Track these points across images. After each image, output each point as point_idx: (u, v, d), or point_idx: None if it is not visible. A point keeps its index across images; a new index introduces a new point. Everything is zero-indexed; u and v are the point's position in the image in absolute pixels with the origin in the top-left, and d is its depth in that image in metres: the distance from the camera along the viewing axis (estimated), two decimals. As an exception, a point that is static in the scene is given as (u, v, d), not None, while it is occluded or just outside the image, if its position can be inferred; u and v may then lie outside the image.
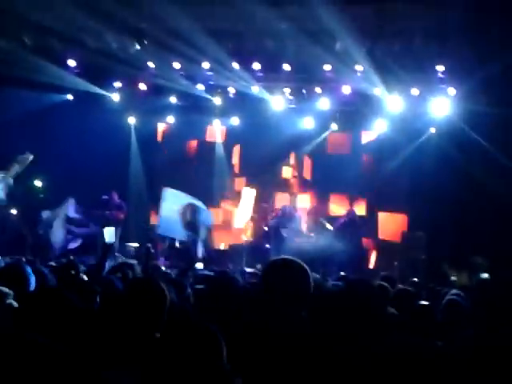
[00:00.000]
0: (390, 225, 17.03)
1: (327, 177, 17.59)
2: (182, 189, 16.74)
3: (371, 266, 16.34)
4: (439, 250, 15.02)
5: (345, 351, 2.82)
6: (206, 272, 8.96)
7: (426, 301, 5.75)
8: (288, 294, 3.01)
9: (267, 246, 16.37)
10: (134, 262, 10.12)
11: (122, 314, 3.14)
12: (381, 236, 16.98)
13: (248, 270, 13.41)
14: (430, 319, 5.00)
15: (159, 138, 18.95)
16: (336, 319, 2.97)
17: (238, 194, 18.27)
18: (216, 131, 18.89)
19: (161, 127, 18.88)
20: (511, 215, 14.10)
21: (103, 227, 16.06)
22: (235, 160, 18.85)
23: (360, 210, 17.25)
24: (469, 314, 5.14)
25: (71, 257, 10.34)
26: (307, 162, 18.41)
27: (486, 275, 12.41)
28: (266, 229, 17.14)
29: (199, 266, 11.76)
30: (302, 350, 2.83)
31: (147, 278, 4.51)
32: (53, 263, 9.37)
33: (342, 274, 11.72)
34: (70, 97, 17.94)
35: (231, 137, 18.68)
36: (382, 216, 17.13)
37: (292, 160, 18.49)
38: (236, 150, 18.79)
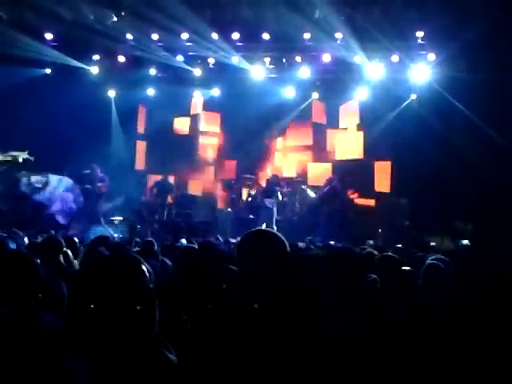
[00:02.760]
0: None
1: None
2: (165, 160, 16.96)
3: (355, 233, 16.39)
4: (422, 216, 15.11)
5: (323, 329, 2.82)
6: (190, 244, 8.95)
7: (409, 266, 5.80)
8: (263, 265, 3.01)
9: (251, 216, 16.41)
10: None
11: None
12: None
13: (233, 240, 13.48)
14: (411, 284, 5.06)
15: (140, 110, 18.77)
16: (317, 286, 2.98)
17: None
18: (197, 103, 18.81)
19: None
20: (491, 181, 14.18)
21: (87, 200, 16.38)
22: (217, 131, 18.80)
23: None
24: (449, 278, 5.20)
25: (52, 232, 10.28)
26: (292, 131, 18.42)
27: (466, 241, 12.56)
28: (250, 199, 17.19)
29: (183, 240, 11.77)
30: (279, 320, 2.83)
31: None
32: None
33: (332, 242, 11.79)
34: (48, 71, 17.76)
35: (212, 108, 18.59)
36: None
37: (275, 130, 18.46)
38: (218, 120, 18.70)
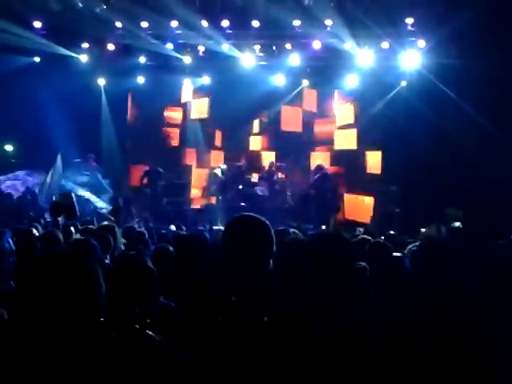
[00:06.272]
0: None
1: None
2: (155, 149, 16.95)
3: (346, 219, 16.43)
4: (413, 203, 15.15)
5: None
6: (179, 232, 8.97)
7: (399, 252, 5.81)
8: (249, 250, 3.01)
9: (242, 204, 16.41)
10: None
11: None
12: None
13: (221, 227, 13.51)
14: (401, 270, 5.06)
15: (130, 98, 18.68)
16: (304, 273, 2.97)
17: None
18: (188, 90, 18.75)
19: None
20: (481, 167, 14.19)
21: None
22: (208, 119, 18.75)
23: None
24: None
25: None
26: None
27: (458, 223, 12.57)
28: (241, 187, 17.19)
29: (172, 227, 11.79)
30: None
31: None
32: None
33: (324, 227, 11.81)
34: (37, 59, 17.64)
35: (202, 95, 18.53)
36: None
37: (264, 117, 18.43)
38: (208, 108, 18.62)
